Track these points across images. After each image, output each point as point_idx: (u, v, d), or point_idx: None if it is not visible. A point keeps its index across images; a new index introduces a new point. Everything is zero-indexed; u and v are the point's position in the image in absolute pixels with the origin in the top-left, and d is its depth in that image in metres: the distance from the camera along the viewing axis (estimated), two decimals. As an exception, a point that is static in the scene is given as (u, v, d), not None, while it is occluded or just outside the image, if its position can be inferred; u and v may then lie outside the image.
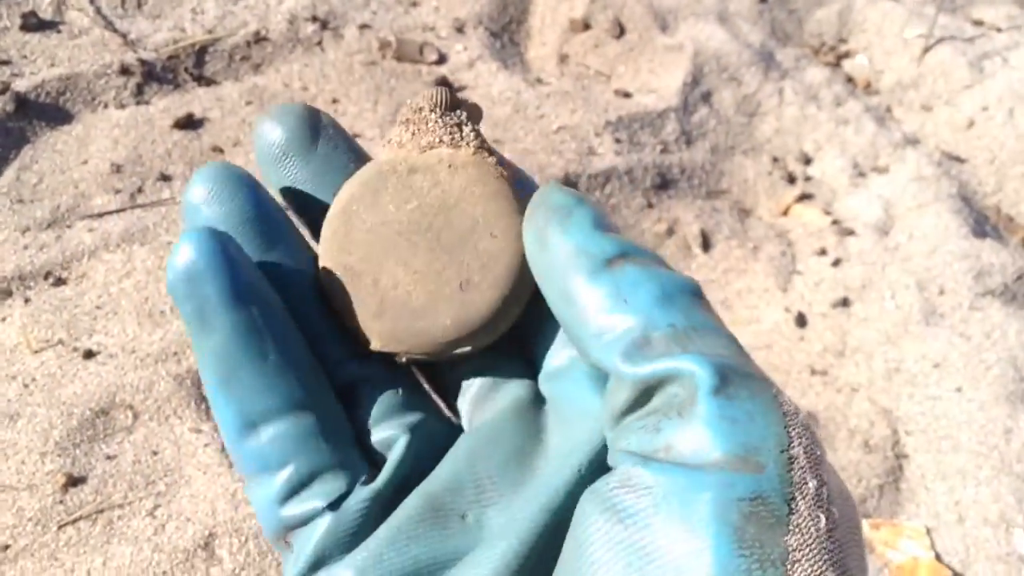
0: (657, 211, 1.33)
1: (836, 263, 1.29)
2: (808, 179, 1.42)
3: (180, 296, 0.26)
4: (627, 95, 1.47)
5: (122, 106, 1.37)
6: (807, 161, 1.45)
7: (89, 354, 1.02)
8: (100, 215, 1.21)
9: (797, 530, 0.20)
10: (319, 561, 0.26)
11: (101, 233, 1.18)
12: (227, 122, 1.35)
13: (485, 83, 1.44)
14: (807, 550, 0.19)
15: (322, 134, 0.30)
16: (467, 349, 0.29)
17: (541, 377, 0.29)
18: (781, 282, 1.28)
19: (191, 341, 0.27)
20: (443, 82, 1.43)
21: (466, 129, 0.30)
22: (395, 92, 1.42)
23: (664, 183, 1.35)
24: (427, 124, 0.30)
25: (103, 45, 1.43)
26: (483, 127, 1.37)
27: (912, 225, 1.33)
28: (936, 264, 1.26)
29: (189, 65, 1.42)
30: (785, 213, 1.37)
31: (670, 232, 1.31)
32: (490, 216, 0.28)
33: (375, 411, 0.29)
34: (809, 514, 0.20)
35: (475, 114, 0.31)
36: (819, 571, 0.19)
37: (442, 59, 1.49)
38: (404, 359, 0.29)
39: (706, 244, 1.31)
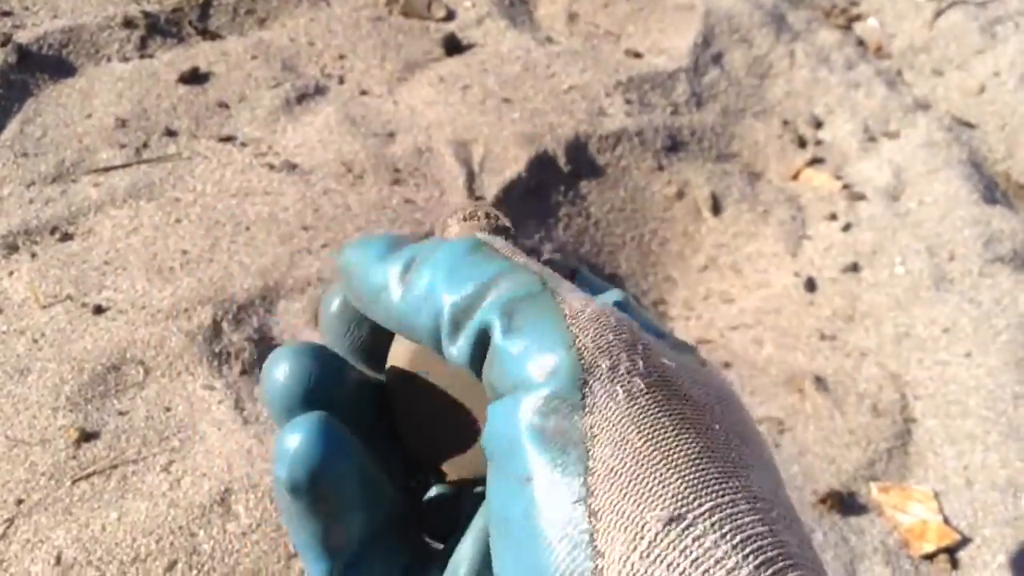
0: (667, 173, 1.32)
1: (846, 228, 1.29)
2: (819, 143, 1.41)
3: (299, 493, 0.26)
4: (637, 55, 1.46)
5: (126, 59, 1.35)
6: (818, 125, 1.44)
7: (99, 309, 1.02)
8: (105, 170, 1.19)
9: (593, 408, 0.20)
10: None
11: (107, 188, 1.17)
12: (232, 77, 1.33)
13: (494, 41, 1.42)
14: (606, 423, 0.20)
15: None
16: None
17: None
18: (791, 247, 1.28)
19: (290, 518, 0.27)
20: (451, 39, 1.41)
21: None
22: (403, 49, 1.40)
23: (674, 145, 1.34)
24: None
25: (106, -4, 1.41)
26: (492, 84, 1.36)
27: (922, 191, 1.32)
28: (946, 230, 1.26)
29: (193, 18, 1.39)
30: (795, 177, 1.36)
31: (680, 195, 1.31)
32: None
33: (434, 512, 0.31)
34: (604, 390, 0.21)
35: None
36: (623, 437, 0.20)
37: (450, 15, 1.47)
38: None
39: (716, 208, 1.31)
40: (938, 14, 1.56)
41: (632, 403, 0.21)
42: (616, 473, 0.20)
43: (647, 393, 0.21)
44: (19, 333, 1.00)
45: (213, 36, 1.39)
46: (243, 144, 1.24)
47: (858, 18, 1.61)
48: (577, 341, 0.21)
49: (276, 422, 0.28)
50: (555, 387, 0.21)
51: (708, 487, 0.20)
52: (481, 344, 0.23)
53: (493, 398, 0.23)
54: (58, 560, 0.84)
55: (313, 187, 1.18)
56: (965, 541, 0.99)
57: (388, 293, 0.25)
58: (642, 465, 0.20)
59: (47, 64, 1.33)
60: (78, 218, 1.14)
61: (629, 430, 0.20)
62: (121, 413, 0.92)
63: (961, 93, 1.50)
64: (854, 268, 1.24)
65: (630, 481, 0.20)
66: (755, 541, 0.19)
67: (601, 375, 0.21)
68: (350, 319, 0.30)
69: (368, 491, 0.27)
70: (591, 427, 0.20)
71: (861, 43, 1.57)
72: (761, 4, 1.56)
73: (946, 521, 1.01)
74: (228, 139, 1.24)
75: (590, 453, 0.20)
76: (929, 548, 0.99)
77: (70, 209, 1.14)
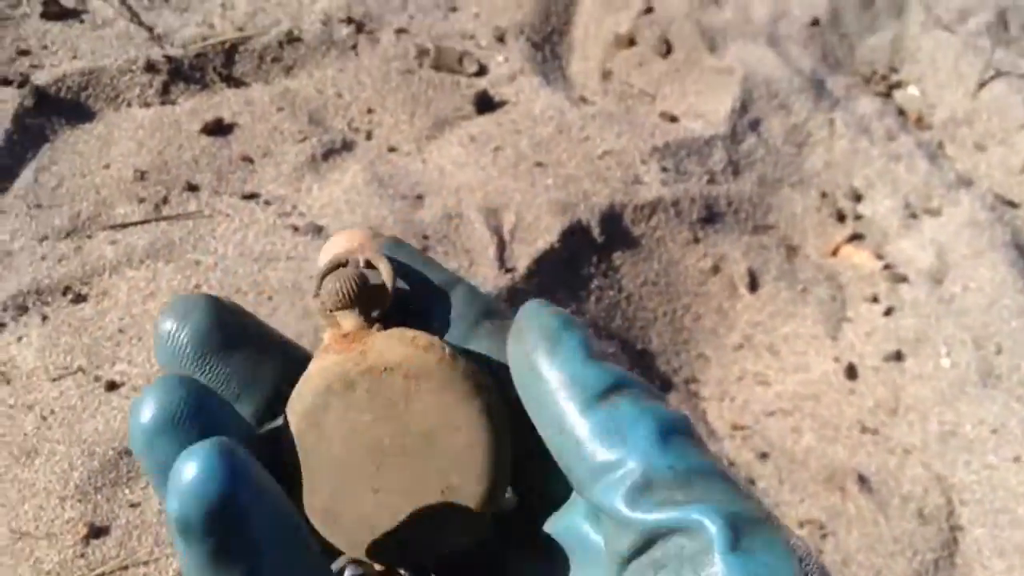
0: (703, 246, 1.27)
1: (888, 312, 1.24)
2: (858, 218, 1.37)
3: (196, 536, 0.22)
4: (673, 119, 1.41)
5: (147, 105, 1.30)
6: (857, 198, 1.39)
7: (112, 385, 0.96)
8: (123, 226, 1.14)
9: None
10: None
11: (124, 246, 1.12)
12: (257, 129, 1.28)
13: (527, 99, 1.38)
14: None
15: (234, 333, 0.28)
16: (472, 541, 0.28)
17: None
18: (831, 329, 1.23)
19: (188, 571, 0.23)
20: (482, 96, 1.36)
21: (376, 313, 0.29)
22: (432, 104, 1.36)
23: (711, 216, 1.30)
24: (342, 320, 0.28)
25: (128, 38, 1.36)
26: (525, 146, 1.31)
27: (967, 275, 1.27)
28: (993, 320, 1.21)
29: (218, 64, 1.35)
30: (834, 254, 1.32)
31: (715, 270, 1.26)
32: (445, 409, 0.26)
33: None
34: None
35: (381, 298, 0.29)
36: None
37: (482, 70, 1.43)
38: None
39: (753, 284, 1.26)
40: (981, 85, 1.52)
41: None
42: None
43: None
44: (28, 408, 0.95)
45: (238, 83, 1.34)
46: (267, 203, 1.19)
47: (899, 85, 1.57)
48: None
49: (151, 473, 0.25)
50: None
51: None
52: (662, 526, 0.22)
53: None
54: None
55: (339, 254, 1.12)
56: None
57: (580, 399, 0.24)
58: None
59: (65, 108, 1.28)
60: (92, 278, 1.09)
61: None
62: (132, 505, 0.87)
63: (1004, 170, 1.46)
64: (897, 357, 1.20)
65: None
66: None
67: None
68: (204, 347, 0.27)
69: (285, 538, 0.24)
70: None
71: (902, 112, 1.53)
72: (800, 69, 1.52)
73: (996, 643, 0.96)
74: (251, 196, 1.20)
75: None
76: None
77: (84, 268, 1.09)
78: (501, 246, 1.18)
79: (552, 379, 0.25)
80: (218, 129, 1.27)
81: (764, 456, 1.12)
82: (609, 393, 0.24)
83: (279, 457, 0.27)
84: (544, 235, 1.19)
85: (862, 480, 1.08)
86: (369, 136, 1.31)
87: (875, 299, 1.26)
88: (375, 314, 0.29)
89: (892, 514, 1.05)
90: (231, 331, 0.28)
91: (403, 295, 0.29)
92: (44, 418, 0.93)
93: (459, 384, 0.27)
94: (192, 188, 1.20)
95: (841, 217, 1.36)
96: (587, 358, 0.24)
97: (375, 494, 0.27)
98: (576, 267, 1.20)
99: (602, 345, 0.26)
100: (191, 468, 0.22)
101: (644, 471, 0.23)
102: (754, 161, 1.40)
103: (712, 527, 0.21)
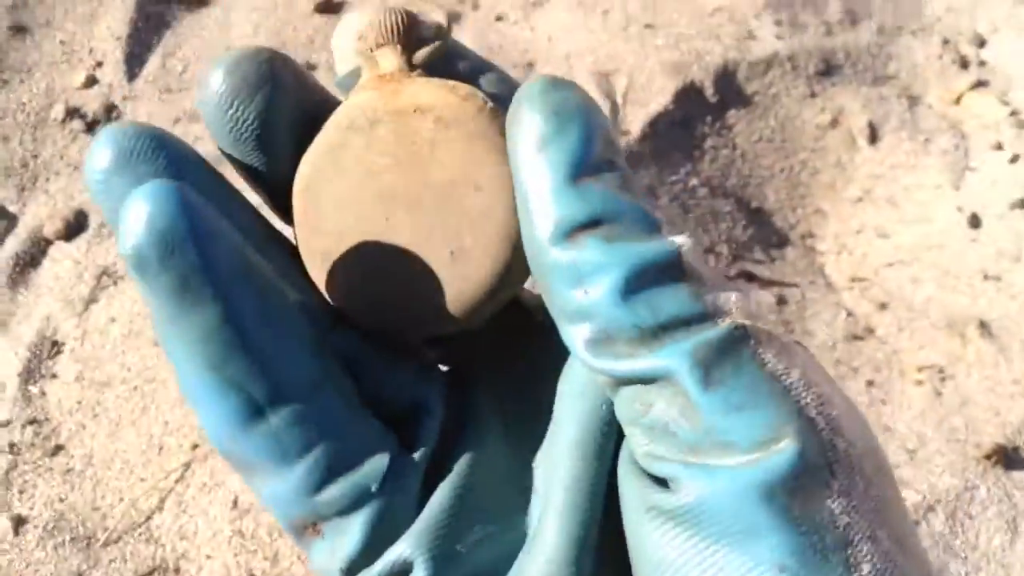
0: (820, 100, 1.25)
1: (1014, 159, 1.21)
2: (982, 64, 1.32)
3: (152, 269, 0.21)
4: (787, -31, 1.37)
5: (260, -14, 1.33)
6: (981, 43, 1.34)
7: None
8: (250, 107, 1.19)
9: (840, 494, 0.19)
10: (373, 545, 0.24)
11: (253, 126, 1.17)
12: (367, 6, 1.30)
13: (634, -42, 1.36)
14: (853, 512, 0.19)
15: (280, 81, 0.25)
16: (469, 326, 0.26)
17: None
18: (954, 179, 1.21)
19: (160, 323, 0.23)
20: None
21: (422, 54, 0.26)
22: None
23: (828, 69, 1.27)
24: (380, 59, 0.26)
25: (237, -79, 1.38)
26: (634, 7, 1.30)
27: (1099, 117, 1.23)
28: None
29: (325, -58, 1.36)
30: (957, 102, 1.28)
31: (834, 123, 1.24)
32: (471, 164, 0.24)
33: (387, 382, 0.26)
34: (846, 475, 0.20)
35: (442, 36, 0.26)
36: (869, 531, 0.19)
37: (586, -69, 1.40)
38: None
39: (873, 136, 1.24)
40: (1120, -87, 1.42)
41: (867, 492, 0.20)
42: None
43: (872, 484, 0.20)
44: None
45: (346, -40, 1.35)
46: (383, 77, 1.22)
47: (1028, -81, 1.48)
48: (806, 411, 0.20)
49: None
50: (795, 465, 0.19)
51: None
52: (630, 376, 0.21)
53: (649, 449, 0.21)
54: (235, 504, 0.87)
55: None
56: None
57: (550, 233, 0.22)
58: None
59: (183, -6, 1.32)
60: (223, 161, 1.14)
61: (875, 524, 0.20)
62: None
63: None
64: (1022, 205, 1.17)
65: None
66: None
67: (839, 457, 0.20)
68: (233, 96, 0.25)
69: (256, 284, 0.23)
70: (840, 512, 0.19)
71: (1031, -51, 1.44)
72: (921, -93, 1.44)
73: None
74: (368, 72, 1.23)
75: (849, 554, 0.19)
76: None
77: (216, 149, 1.15)
78: (615, 110, 1.18)
79: (529, 194, 0.22)
80: (329, 7, 1.29)
81: (883, 306, 1.12)
82: (581, 230, 0.21)
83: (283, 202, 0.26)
84: (657, 97, 1.19)
85: (983, 325, 1.08)
86: (476, 6, 1.32)
87: (1000, 147, 1.23)
88: (418, 59, 0.26)
89: (1013, 357, 1.06)
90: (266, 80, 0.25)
91: (447, 56, 0.27)
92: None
93: (493, 138, 0.24)
94: (311, 67, 1.23)
95: (964, 64, 1.32)
96: (568, 179, 0.22)
97: (379, 245, 0.25)
98: (690, 128, 1.20)
99: (608, 151, 0.22)
100: (141, 204, 0.21)
101: (605, 327, 0.21)
102: (872, 9, 1.35)
103: (680, 369, 0.20)
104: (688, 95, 1.20)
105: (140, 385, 0.91)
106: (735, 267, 1.12)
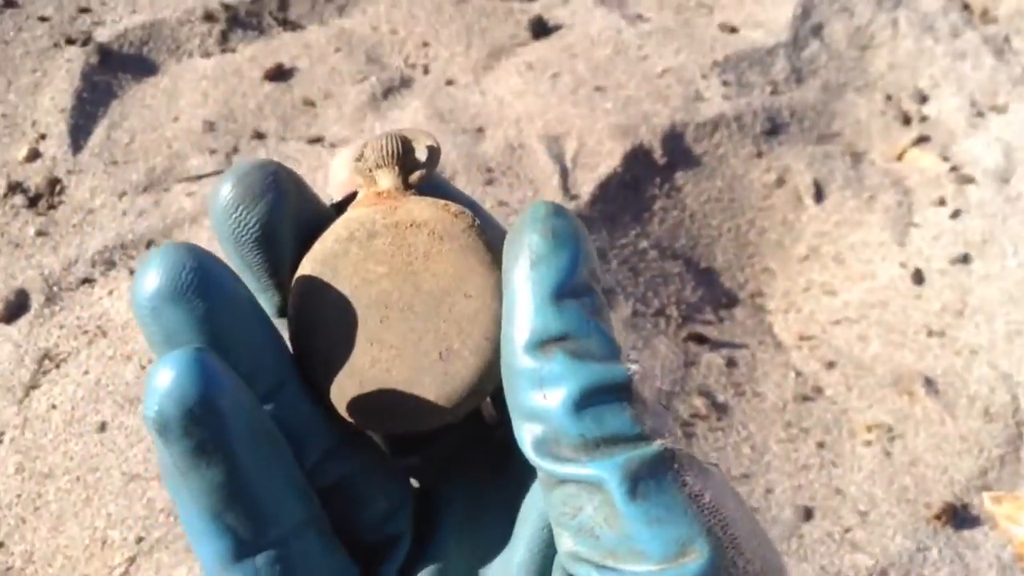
0: (767, 160, 1.27)
1: (955, 215, 1.24)
2: (924, 119, 1.35)
3: (172, 435, 0.23)
4: (733, 30, 1.40)
5: (208, 55, 1.33)
6: (923, 99, 1.37)
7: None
8: (198, 178, 1.19)
9: None
10: None
11: (200, 197, 1.16)
12: (316, 72, 1.31)
13: (582, 21, 1.37)
14: None
15: (283, 190, 0.27)
16: (452, 419, 0.27)
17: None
18: (897, 235, 1.23)
19: (170, 474, 0.24)
20: (537, 21, 1.36)
21: (417, 175, 0.28)
22: (487, 33, 1.36)
23: (774, 128, 1.29)
24: (379, 178, 0.28)
25: (184, -12, 1.38)
26: (583, 71, 1.31)
27: (1036, 172, 1.26)
28: (1063, 217, 1.20)
29: (273, 8, 1.37)
30: (900, 158, 1.31)
31: (780, 182, 1.26)
32: (461, 274, 0.26)
33: (365, 518, 0.28)
34: None
35: (433, 158, 0.29)
36: None
37: (534, -7, 1.42)
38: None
39: (819, 194, 1.26)
40: (1051, -31, 1.46)
41: None
42: None
43: None
44: (126, 358, 1.01)
45: (294, 27, 1.36)
46: (332, 145, 1.22)
47: (963, -24, 1.52)
48: (714, 530, 0.23)
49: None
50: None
51: None
52: (567, 479, 0.23)
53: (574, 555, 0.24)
54: (183, 593, 0.86)
55: (406, 192, 1.16)
56: (1090, 562, 0.97)
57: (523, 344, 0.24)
58: None
59: (129, 63, 1.31)
60: (173, 230, 1.14)
61: None
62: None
63: (1076, 58, 1.41)
64: (964, 259, 1.20)
65: None
66: None
67: (739, 574, 0.22)
68: (239, 201, 0.26)
69: (262, 441, 0.25)
70: None
71: (967, 7, 1.48)
72: (860, -34, 1.48)
73: (1068, 537, 0.98)
74: (316, 140, 1.23)
75: None
76: (1050, 568, 0.97)
77: (165, 221, 1.14)
78: (564, 174, 1.19)
79: (517, 303, 0.24)
80: (279, 74, 1.29)
81: (831, 365, 1.14)
82: (552, 343, 0.24)
83: (292, 328, 0.27)
84: (607, 160, 1.20)
85: (929, 383, 1.10)
86: (426, 71, 1.33)
87: (942, 202, 1.25)
88: (413, 180, 0.28)
89: (959, 414, 1.07)
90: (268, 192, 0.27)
91: (434, 182, 0.29)
92: (143, 367, 0.99)
93: (482, 252, 0.27)
94: (259, 136, 1.23)
95: (906, 120, 1.35)
96: (551, 296, 0.24)
97: (372, 347, 0.26)
98: (640, 190, 1.21)
99: (591, 278, 0.25)
100: (167, 373, 0.23)
101: (555, 431, 0.23)
102: (817, 68, 1.38)
103: (611, 481, 0.23)
104: (637, 157, 1.21)
105: (83, 475, 0.89)
106: (685, 329, 1.13)
